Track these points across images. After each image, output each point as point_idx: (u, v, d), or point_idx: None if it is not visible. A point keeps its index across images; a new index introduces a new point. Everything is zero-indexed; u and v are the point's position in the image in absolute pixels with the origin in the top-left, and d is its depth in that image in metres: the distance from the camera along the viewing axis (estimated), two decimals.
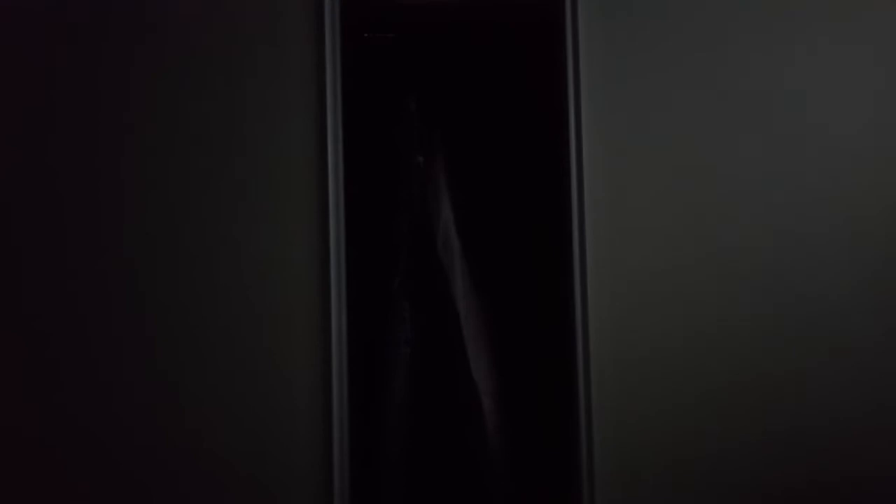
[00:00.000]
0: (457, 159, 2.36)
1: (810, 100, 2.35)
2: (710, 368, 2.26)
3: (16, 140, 2.23)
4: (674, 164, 2.31)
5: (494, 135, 2.38)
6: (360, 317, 2.26)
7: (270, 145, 2.25)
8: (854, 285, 2.31)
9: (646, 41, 2.33)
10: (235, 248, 2.23)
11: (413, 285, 2.35)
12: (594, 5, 2.31)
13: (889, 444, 2.29)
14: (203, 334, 2.20)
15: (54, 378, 2.18)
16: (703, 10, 2.35)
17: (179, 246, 2.22)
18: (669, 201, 2.29)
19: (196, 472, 2.18)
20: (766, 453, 2.26)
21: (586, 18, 2.31)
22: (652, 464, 2.24)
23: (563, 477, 2.26)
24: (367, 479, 2.31)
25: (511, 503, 2.33)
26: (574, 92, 2.29)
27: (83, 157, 2.23)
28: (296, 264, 2.23)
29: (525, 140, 2.37)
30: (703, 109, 2.33)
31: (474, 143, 2.37)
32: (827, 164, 2.33)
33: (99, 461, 2.17)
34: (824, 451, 2.27)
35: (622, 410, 2.23)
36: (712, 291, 2.29)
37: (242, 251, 2.23)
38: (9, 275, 2.20)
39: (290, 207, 2.25)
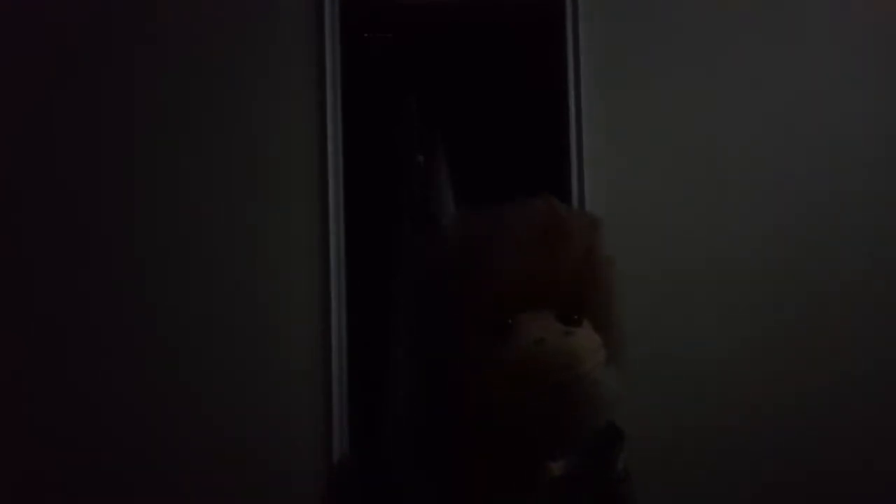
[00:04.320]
0: (457, 159, 2.36)
1: (809, 95, 2.35)
2: (710, 362, 2.26)
3: (21, 140, 2.23)
4: (675, 162, 2.31)
5: (495, 134, 2.37)
6: (360, 316, 2.25)
7: (270, 145, 2.25)
8: (853, 273, 2.31)
9: (646, 41, 2.34)
10: (235, 247, 2.22)
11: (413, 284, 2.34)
12: (594, 5, 2.31)
13: (888, 441, 2.29)
14: (203, 334, 2.20)
15: (59, 374, 2.18)
16: (703, 9, 2.35)
17: (179, 246, 2.21)
18: (671, 200, 2.29)
19: (196, 472, 2.17)
20: (767, 446, 2.25)
21: (586, 18, 2.31)
22: (652, 456, 2.23)
23: None
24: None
25: None
26: (574, 91, 2.29)
27: (84, 156, 2.23)
28: (296, 264, 2.23)
29: (525, 139, 2.37)
30: (704, 108, 2.33)
31: (474, 142, 2.37)
32: (827, 160, 2.34)
33: (98, 459, 2.17)
34: (825, 438, 2.27)
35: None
36: (713, 290, 2.29)
37: (242, 251, 2.22)
38: (16, 274, 2.20)
39: (290, 207, 2.24)
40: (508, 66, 2.38)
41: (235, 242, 2.22)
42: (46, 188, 2.21)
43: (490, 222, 0.99)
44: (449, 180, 2.34)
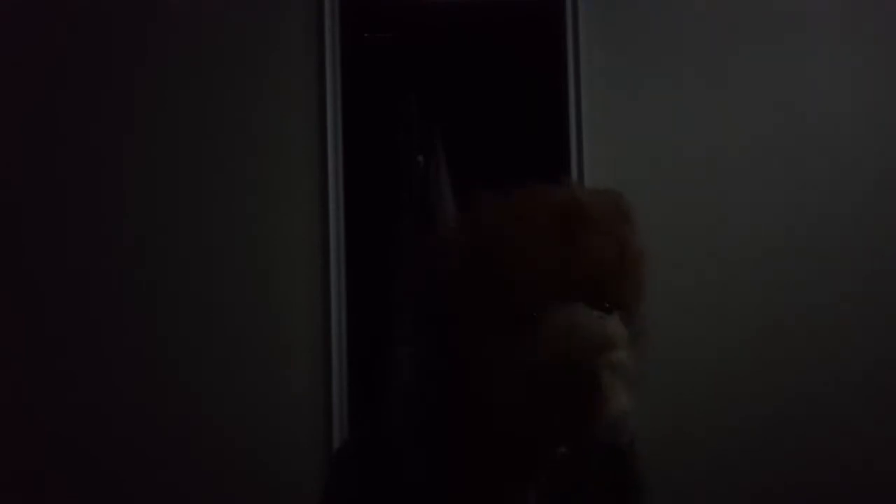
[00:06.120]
0: (457, 159, 2.36)
1: (810, 94, 2.35)
2: (709, 362, 2.26)
3: (21, 140, 2.23)
4: (676, 165, 2.31)
5: (495, 134, 2.37)
6: (360, 317, 2.25)
7: (270, 145, 2.25)
8: (853, 272, 2.31)
9: (646, 41, 2.33)
10: (235, 247, 2.22)
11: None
12: (594, 5, 2.31)
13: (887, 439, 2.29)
14: (203, 333, 2.20)
15: (58, 371, 2.18)
16: (703, 8, 2.35)
17: (179, 246, 2.22)
18: (671, 200, 2.29)
19: (196, 470, 2.17)
20: (766, 446, 2.25)
21: (586, 18, 2.31)
22: (651, 457, 2.23)
23: None
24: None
25: None
26: (574, 91, 2.29)
27: (84, 157, 2.23)
28: (296, 264, 2.23)
29: (525, 139, 2.37)
30: (704, 108, 2.33)
31: (474, 142, 2.37)
32: (828, 160, 2.34)
33: (98, 458, 2.17)
34: (826, 438, 2.26)
35: None
36: (713, 290, 2.29)
37: (242, 250, 2.22)
38: (16, 273, 2.20)
39: (290, 207, 2.25)
40: (508, 67, 2.38)
41: (235, 242, 2.23)
42: (46, 188, 2.21)
43: (504, 210, 0.90)
44: (449, 180, 2.34)
